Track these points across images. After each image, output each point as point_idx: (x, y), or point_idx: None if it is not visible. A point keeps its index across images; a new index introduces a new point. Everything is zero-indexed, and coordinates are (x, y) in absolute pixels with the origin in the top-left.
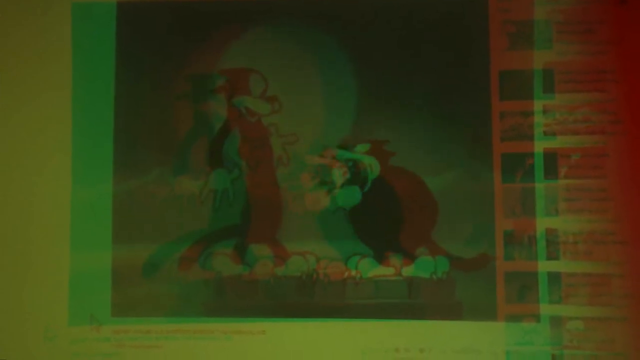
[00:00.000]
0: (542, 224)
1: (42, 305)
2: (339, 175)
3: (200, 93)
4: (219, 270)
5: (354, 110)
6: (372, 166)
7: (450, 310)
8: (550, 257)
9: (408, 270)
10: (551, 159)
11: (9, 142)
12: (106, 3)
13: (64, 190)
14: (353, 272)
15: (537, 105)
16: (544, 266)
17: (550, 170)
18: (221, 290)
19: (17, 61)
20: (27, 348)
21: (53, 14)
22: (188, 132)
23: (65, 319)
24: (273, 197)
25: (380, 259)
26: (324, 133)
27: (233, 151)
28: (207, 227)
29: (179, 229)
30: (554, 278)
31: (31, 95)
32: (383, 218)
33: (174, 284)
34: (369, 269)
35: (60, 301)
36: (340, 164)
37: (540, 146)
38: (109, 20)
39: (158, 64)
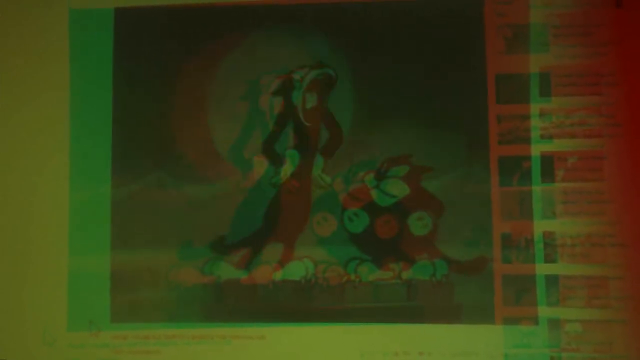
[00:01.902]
0: (540, 226)
1: (41, 311)
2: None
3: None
4: (218, 275)
5: (350, 114)
6: (400, 193)
7: (448, 314)
8: (548, 259)
9: (407, 274)
10: (548, 162)
11: (7, 146)
12: (103, 9)
13: (62, 194)
14: (352, 276)
15: (534, 108)
16: (542, 269)
17: (547, 174)
18: (220, 295)
19: (14, 66)
20: (27, 353)
21: (50, 19)
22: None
23: (64, 324)
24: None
25: (379, 263)
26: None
27: (282, 149)
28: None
29: (179, 233)
30: (552, 281)
31: (29, 100)
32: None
33: (172, 289)
34: (368, 273)
35: (59, 307)
36: (369, 187)
37: (537, 149)
38: (106, 25)
39: (156, 68)
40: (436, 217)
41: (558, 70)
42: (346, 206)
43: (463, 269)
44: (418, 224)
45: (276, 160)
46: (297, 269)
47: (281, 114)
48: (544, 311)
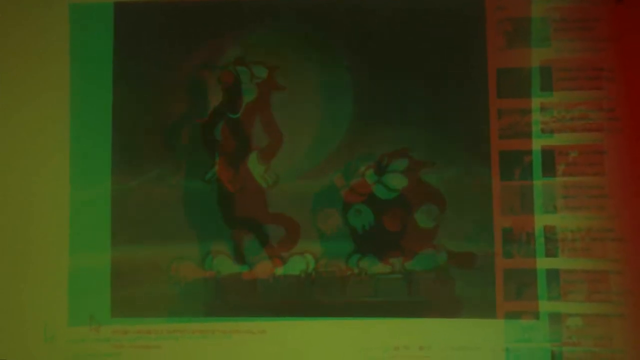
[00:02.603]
0: (541, 221)
1: (42, 306)
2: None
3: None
4: (219, 270)
5: (351, 107)
6: (400, 187)
7: (449, 308)
8: (549, 254)
9: (408, 268)
10: (549, 156)
11: (7, 143)
12: (103, 3)
13: (63, 191)
14: (354, 270)
15: (535, 102)
16: (543, 263)
17: (548, 168)
18: (221, 289)
19: (14, 62)
20: (27, 349)
21: (50, 14)
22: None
23: (65, 319)
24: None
25: (381, 257)
26: (320, 132)
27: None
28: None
29: (179, 228)
30: (553, 275)
31: (29, 96)
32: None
33: (173, 284)
34: (369, 267)
35: (59, 302)
36: (370, 183)
37: (538, 144)
38: (106, 20)
39: (156, 64)
40: (439, 212)
41: (559, 65)
42: (348, 201)
43: (464, 263)
44: (423, 217)
45: (207, 153)
46: (298, 264)
47: (219, 105)
48: (545, 305)
